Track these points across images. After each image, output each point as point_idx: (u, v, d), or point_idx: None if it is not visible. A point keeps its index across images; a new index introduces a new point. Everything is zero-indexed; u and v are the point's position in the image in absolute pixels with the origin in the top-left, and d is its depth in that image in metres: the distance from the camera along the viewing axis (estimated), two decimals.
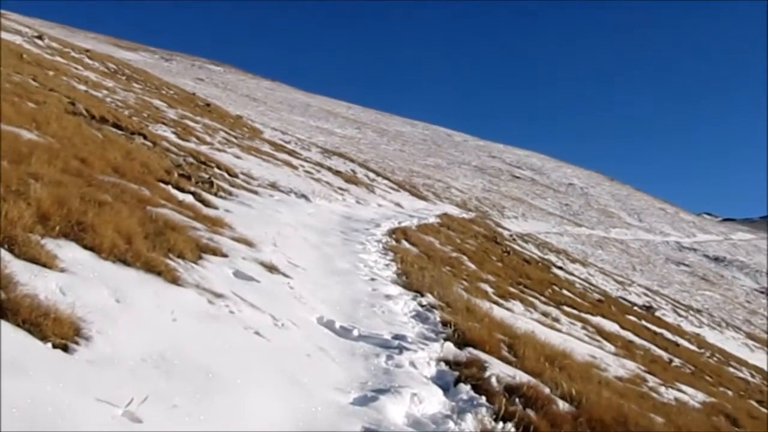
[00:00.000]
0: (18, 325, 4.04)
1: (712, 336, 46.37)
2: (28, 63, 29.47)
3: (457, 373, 6.80)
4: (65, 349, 4.14)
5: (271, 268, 8.82)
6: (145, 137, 20.19)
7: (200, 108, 48.44)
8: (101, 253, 5.88)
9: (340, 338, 7.19)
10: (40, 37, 47.75)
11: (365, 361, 6.56)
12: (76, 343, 4.25)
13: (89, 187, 7.80)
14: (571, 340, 16.56)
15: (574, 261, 57.96)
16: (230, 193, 17.11)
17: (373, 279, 11.33)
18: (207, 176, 17.88)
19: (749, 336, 55.17)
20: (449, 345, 7.74)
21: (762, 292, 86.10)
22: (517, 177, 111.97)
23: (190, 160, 20.51)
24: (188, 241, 7.65)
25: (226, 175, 20.57)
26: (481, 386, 6.55)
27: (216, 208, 13.18)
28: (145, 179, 10.91)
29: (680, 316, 52.29)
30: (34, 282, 4.62)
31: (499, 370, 7.08)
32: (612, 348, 18.84)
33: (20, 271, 4.68)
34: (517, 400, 6.43)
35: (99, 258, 5.78)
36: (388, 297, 9.90)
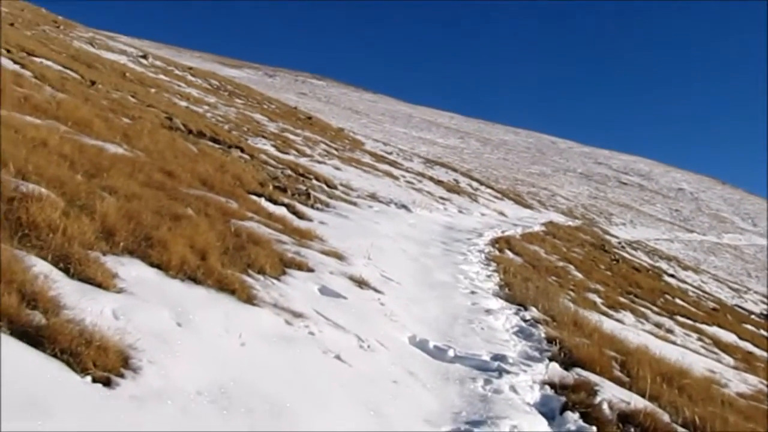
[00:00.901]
0: (54, 355, 3.55)
1: None
2: (131, 81, 29.94)
3: (563, 399, 6.04)
4: (107, 382, 3.61)
5: (362, 283, 8.30)
6: (242, 150, 20.06)
7: (301, 121, 48.64)
8: (168, 270, 5.44)
9: (433, 360, 6.53)
10: (144, 57, 48.80)
11: (460, 386, 5.88)
12: (121, 375, 3.72)
13: (170, 201, 7.43)
14: (687, 353, 15.60)
15: (686, 268, 55.93)
16: (327, 205, 16.74)
17: (473, 292, 10.67)
18: (304, 188, 17.57)
19: None
20: (555, 365, 6.99)
21: None
22: (625, 183, 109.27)
23: (288, 172, 20.28)
24: (271, 255, 7.18)
25: (324, 187, 20.26)
26: (591, 414, 5.79)
27: (310, 220, 12.78)
28: (234, 192, 10.57)
29: None
30: (83, 304, 4.14)
31: (611, 394, 6.33)
32: (731, 361, 17.76)
33: (70, 292, 4.23)
34: (632, 429, 5.69)
35: (165, 276, 5.34)
36: (488, 312, 9.20)
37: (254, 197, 12.05)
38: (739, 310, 39.54)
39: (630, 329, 15.85)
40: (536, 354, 7.45)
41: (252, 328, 5.14)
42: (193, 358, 4.27)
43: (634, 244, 59.79)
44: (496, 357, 6.93)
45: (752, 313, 41.10)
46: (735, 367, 16.56)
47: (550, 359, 7.23)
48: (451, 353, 6.74)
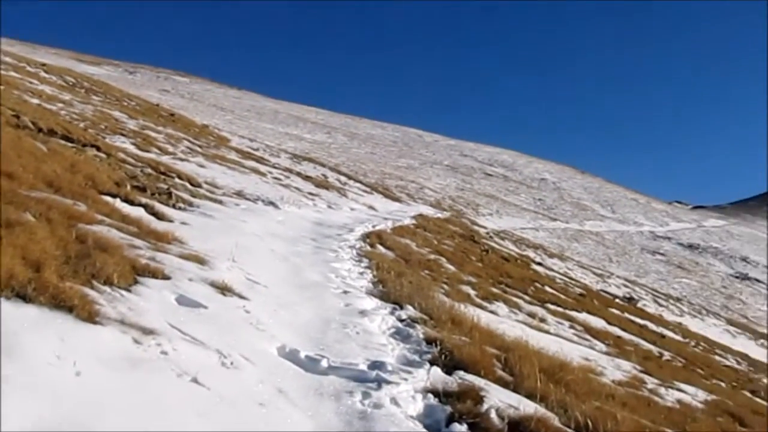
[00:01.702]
0: None
1: (693, 324, 45.95)
2: None
3: (449, 409, 5.54)
4: None
5: (225, 289, 7.55)
6: (98, 149, 19.00)
7: (164, 118, 47.12)
8: None
9: (305, 373, 5.88)
10: None
11: (336, 402, 5.26)
12: None
13: (5, 205, 6.60)
14: (561, 342, 15.63)
15: (552, 256, 57.19)
16: (191, 204, 15.97)
17: (346, 292, 10.10)
18: (166, 187, 16.74)
19: (729, 322, 54.87)
20: (436, 370, 6.50)
21: (737, 277, 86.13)
22: (490, 174, 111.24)
23: (149, 170, 19.36)
24: (121, 262, 6.42)
25: (188, 185, 19.44)
26: (479, 424, 5.31)
27: (170, 220, 12.02)
28: (85, 193, 9.72)
29: (661, 305, 51.70)
30: None
31: (497, 399, 5.90)
32: (603, 347, 18.01)
33: None
34: None
35: None
36: (362, 313, 8.63)
37: (108, 198, 11.22)
38: (604, 294, 40.65)
39: (505, 321, 15.77)
40: (416, 358, 6.94)
41: (91, 352, 4.39)
42: (17, 395, 3.56)
43: (502, 233, 60.73)
44: (374, 365, 6.35)
45: (616, 296, 42.42)
46: (607, 353, 16.76)
47: (431, 363, 6.73)
48: (324, 363, 6.12)
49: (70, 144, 17.78)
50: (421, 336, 7.84)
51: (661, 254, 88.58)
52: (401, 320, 8.68)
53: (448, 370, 6.60)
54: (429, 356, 7.01)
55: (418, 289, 11.40)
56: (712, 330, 46.17)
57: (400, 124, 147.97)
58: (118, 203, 11.18)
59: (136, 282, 6.40)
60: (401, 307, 9.43)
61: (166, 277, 7.01)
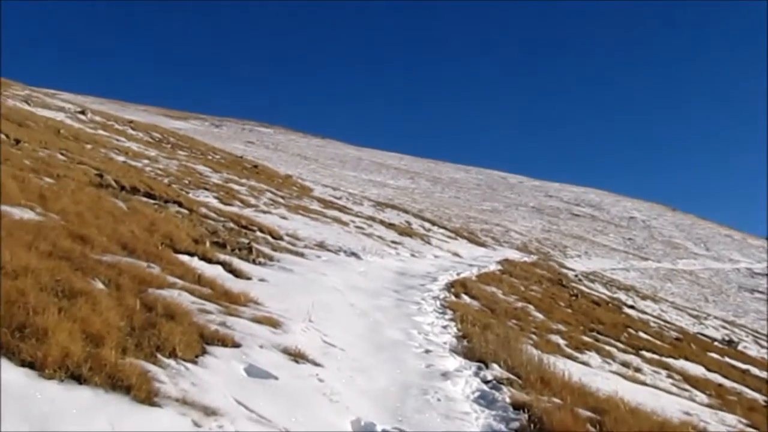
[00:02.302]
0: None
1: None
2: (65, 138, 28.82)
3: None
4: None
5: (297, 356, 7.14)
6: (180, 204, 19.08)
7: (247, 170, 47.66)
8: (44, 369, 4.41)
9: None
10: (83, 112, 47.63)
11: None
12: None
13: (73, 272, 6.44)
14: (659, 394, 14.90)
15: (644, 297, 55.58)
16: (271, 258, 15.81)
17: (427, 351, 9.63)
18: (246, 241, 16.64)
19: None
20: None
21: None
22: (577, 215, 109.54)
23: (230, 225, 19.34)
24: (189, 331, 6.15)
25: (269, 238, 19.36)
26: None
27: (248, 278, 11.79)
28: (160, 254, 9.57)
29: (763, 347, 49.53)
30: None
31: None
32: (704, 398, 17.08)
33: None
34: None
35: (38, 377, 4.33)
36: (444, 375, 8.14)
37: (185, 257, 11.07)
38: (702, 337, 39.13)
39: (598, 372, 15.10)
40: (502, 427, 6.45)
41: None
42: None
43: (591, 275, 59.37)
44: None
45: (714, 339, 40.76)
46: (709, 405, 15.87)
47: None
48: None
49: (152, 201, 17.88)
50: (508, 400, 7.35)
51: (760, 292, 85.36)
52: (486, 381, 8.18)
53: None
54: (517, 424, 6.54)
55: (505, 343, 10.90)
56: None
57: (484, 167, 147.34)
58: (195, 262, 11.02)
59: (204, 352, 6.11)
60: (486, 366, 8.92)
61: (236, 345, 6.69)
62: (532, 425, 6.47)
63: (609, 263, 77.75)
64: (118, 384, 4.60)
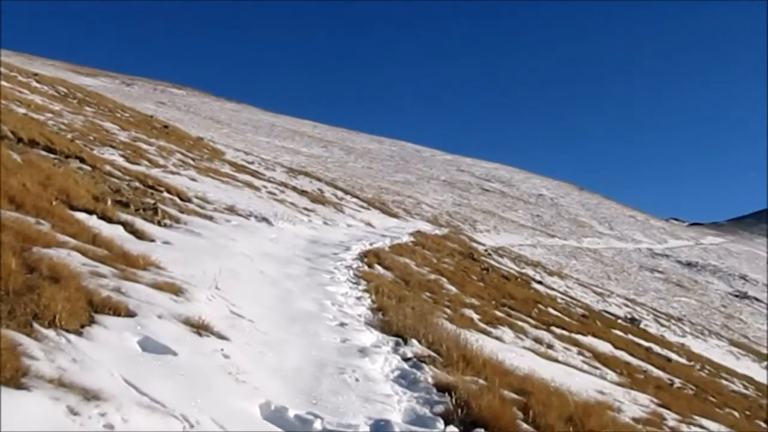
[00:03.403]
0: None
1: (696, 345, 45.12)
2: None
3: None
4: None
5: (201, 328, 6.36)
6: (82, 160, 18.01)
7: (157, 130, 46.16)
8: None
9: None
10: None
11: None
12: None
13: None
14: (573, 372, 14.74)
15: (551, 274, 56.30)
16: (178, 220, 14.98)
17: (342, 324, 8.99)
18: (152, 202, 15.74)
19: (731, 342, 54.01)
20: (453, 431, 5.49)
21: (736, 296, 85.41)
22: (487, 190, 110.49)
23: (136, 184, 18.37)
24: (74, 297, 5.30)
25: (177, 200, 18.46)
26: None
27: (152, 240, 10.99)
28: (53, 210, 8.68)
29: (662, 326, 50.88)
30: None
31: None
32: (614, 376, 17.10)
33: None
34: None
35: None
36: (362, 351, 7.47)
37: (83, 215, 10.21)
38: (607, 315, 39.76)
39: (512, 348, 14.81)
40: (427, 411, 5.86)
41: None
42: None
43: (500, 250, 59.88)
44: (378, 425, 5.27)
45: (618, 317, 41.48)
46: (621, 384, 15.85)
47: (445, 420, 5.69)
48: (318, 426, 4.99)
49: (52, 155, 16.80)
50: (430, 381, 6.76)
51: (660, 272, 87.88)
52: (406, 359, 7.56)
53: (466, 428, 5.58)
54: (442, 408, 5.96)
55: (422, 317, 10.39)
56: (715, 351, 45.38)
57: (398, 139, 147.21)
58: (93, 221, 10.18)
59: (91, 322, 5.30)
60: (405, 341, 8.33)
61: (131, 314, 5.86)
62: (458, 410, 5.91)
63: (517, 239, 78.77)
64: None
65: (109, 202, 12.81)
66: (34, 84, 45.90)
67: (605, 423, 7.60)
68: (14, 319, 4.56)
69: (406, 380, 6.84)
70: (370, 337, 8.46)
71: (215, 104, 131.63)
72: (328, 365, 6.71)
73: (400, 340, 8.46)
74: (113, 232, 10.13)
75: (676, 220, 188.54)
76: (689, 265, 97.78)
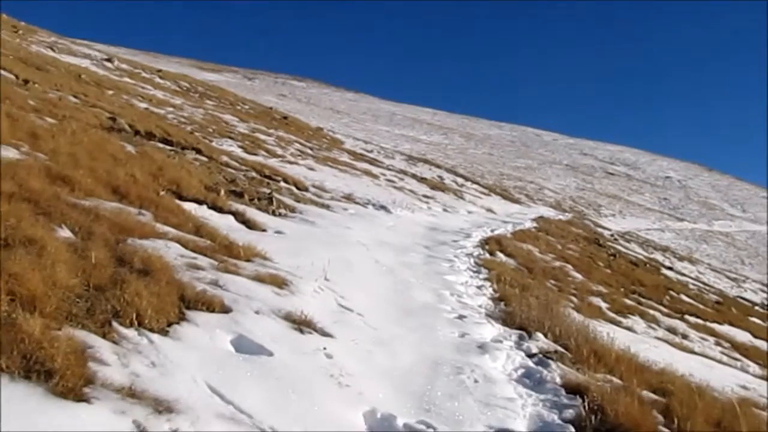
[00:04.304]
0: None
1: None
2: (86, 83, 27.76)
3: None
4: None
5: (303, 324, 5.78)
6: (199, 152, 17.98)
7: (276, 121, 46.45)
8: None
9: None
10: (109, 60, 46.58)
11: None
12: None
13: (36, 216, 5.28)
14: (711, 365, 13.68)
15: (681, 259, 54.21)
16: (293, 210, 14.67)
17: (461, 316, 8.33)
18: (268, 191, 15.51)
19: None
20: None
21: None
22: (611, 174, 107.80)
23: (252, 174, 18.22)
24: (165, 292, 4.87)
25: (294, 189, 18.23)
26: None
27: (263, 230, 10.63)
28: (158, 200, 8.38)
29: None
30: None
31: None
32: (756, 368, 15.85)
33: None
34: None
35: None
36: (482, 348, 6.77)
37: (192, 205, 9.92)
38: (742, 301, 37.86)
39: (644, 339, 13.89)
40: (555, 418, 5.11)
41: None
42: None
43: (626, 235, 58.07)
44: None
45: (755, 303, 39.46)
46: (765, 377, 14.63)
47: (577, 428, 4.95)
48: None
49: (168, 147, 16.78)
50: (558, 380, 6.04)
51: None
52: (530, 355, 6.83)
53: None
54: (572, 414, 5.22)
55: (547, 308, 9.68)
56: None
57: (518, 124, 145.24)
58: (203, 210, 9.89)
59: (181, 319, 4.84)
60: (529, 335, 7.62)
61: (226, 310, 5.38)
62: (592, 416, 5.17)
63: (644, 223, 76.59)
64: (35, 368, 3.34)
65: (222, 192, 12.58)
66: (157, 80, 46.94)
67: (758, 426, 6.76)
68: (92, 317, 4.12)
69: (530, 380, 6.12)
70: (492, 330, 7.78)
71: (335, 95, 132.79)
72: (444, 364, 6.03)
73: (523, 333, 7.75)
74: (223, 222, 9.82)
75: None
76: None
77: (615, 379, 6.51)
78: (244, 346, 4.90)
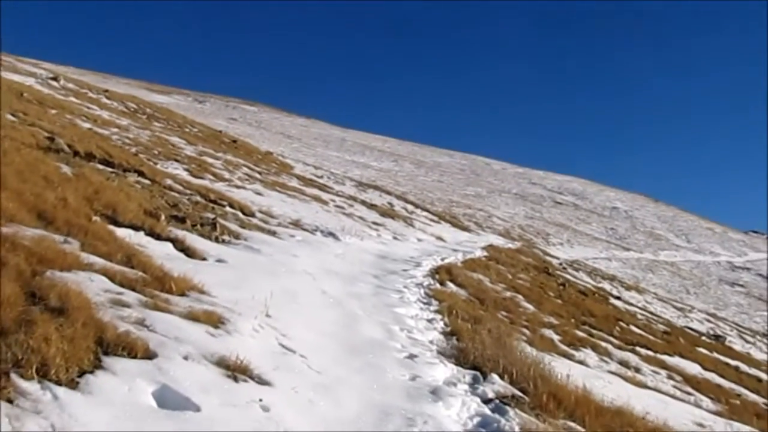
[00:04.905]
0: None
1: None
2: (28, 101, 26.88)
3: None
4: None
5: (238, 371, 5.16)
6: (142, 174, 17.36)
7: (225, 144, 45.78)
8: None
9: None
10: (55, 78, 45.52)
11: None
12: None
13: None
14: (666, 400, 13.45)
15: (629, 288, 54.48)
16: (238, 236, 14.13)
17: (411, 356, 7.79)
18: (212, 217, 14.92)
19: None
20: None
21: None
22: (560, 203, 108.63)
23: (197, 198, 17.63)
24: (79, 335, 4.20)
25: (240, 214, 17.70)
26: None
27: (203, 258, 10.08)
28: (88, 226, 7.78)
29: (747, 342, 48.57)
30: None
31: None
32: (709, 403, 15.70)
33: None
34: None
35: None
36: (435, 394, 6.21)
37: (128, 231, 9.34)
38: (689, 331, 38.02)
39: (598, 374, 13.57)
40: None
41: None
42: None
43: (575, 264, 58.27)
44: None
45: (702, 333, 39.67)
46: (719, 413, 14.45)
47: None
48: None
49: (109, 169, 16.14)
50: (517, 429, 5.57)
51: (741, 286, 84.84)
52: (487, 401, 6.37)
53: None
54: None
55: (500, 343, 9.24)
56: None
57: (468, 152, 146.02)
58: (139, 237, 9.31)
59: (96, 367, 4.24)
60: (484, 376, 7.12)
61: (150, 355, 4.74)
62: None
63: (591, 252, 77.09)
64: None
65: (163, 218, 12.01)
66: (104, 100, 46.00)
67: None
68: None
69: (487, 430, 5.65)
70: (444, 371, 7.27)
71: (286, 120, 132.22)
72: (393, 414, 5.44)
73: (477, 374, 7.26)
74: (160, 249, 9.25)
75: (755, 232, 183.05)
76: None
77: (576, 426, 6.08)
78: (168, 399, 4.29)
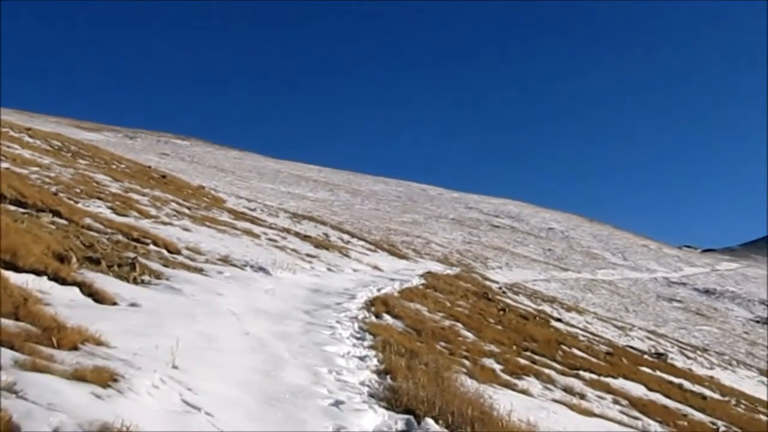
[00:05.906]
0: None
1: (726, 377, 43.13)
2: None
3: None
4: None
5: None
6: (58, 214, 16.49)
7: (155, 180, 44.76)
8: None
9: None
10: None
11: None
12: None
13: None
14: (612, 427, 12.98)
15: (569, 309, 54.57)
16: (159, 276, 13.34)
17: (338, 403, 7.08)
18: (133, 256, 14.11)
19: (762, 372, 52.04)
20: None
21: (758, 322, 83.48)
22: (497, 226, 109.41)
23: (118, 237, 16.78)
24: None
25: (164, 252, 16.90)
26: None
27: (114, 303, 9.29)
28: None
29: (688, 358, 48.95)
30: None
31: None
32: (658, 427, 15.35)
33: None
34: None
35: None
36: None
37: (28, 277, 8.54)
38: (631, 350, 38.04)
39: (542, 404, 13.04)
40: None
41: None
42: None
43: (514, 287, 58.30)
44: None
45: (643, 352, 39.75)
46: None
47: None
48: None
49: (21, 210, 15.27)
50: None
51: (678, 301, 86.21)
52: None
53: None
54: None
55: (438, 379, 8.67)
56: (747, 383, 43.43)
57: (403, 179, 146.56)
58: (41, 283, 8.52)
59: None
60: (418, 421, 6.51)
61: (11, 429, 3.97)
62: None
63: (530, 274, 77.60)
64: None
65: (74, 260, 11.19)
66: (27, 139, 44.58)
67: None
68: None
69: None
70: (374, 418, 6.58)
71: (219, 153, 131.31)
72: None
73: (411, 418, 6.61)
74: (64, 295, 8.46)
75: (689, 247, 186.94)
76: (707, 292, 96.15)
77: None
78: None
